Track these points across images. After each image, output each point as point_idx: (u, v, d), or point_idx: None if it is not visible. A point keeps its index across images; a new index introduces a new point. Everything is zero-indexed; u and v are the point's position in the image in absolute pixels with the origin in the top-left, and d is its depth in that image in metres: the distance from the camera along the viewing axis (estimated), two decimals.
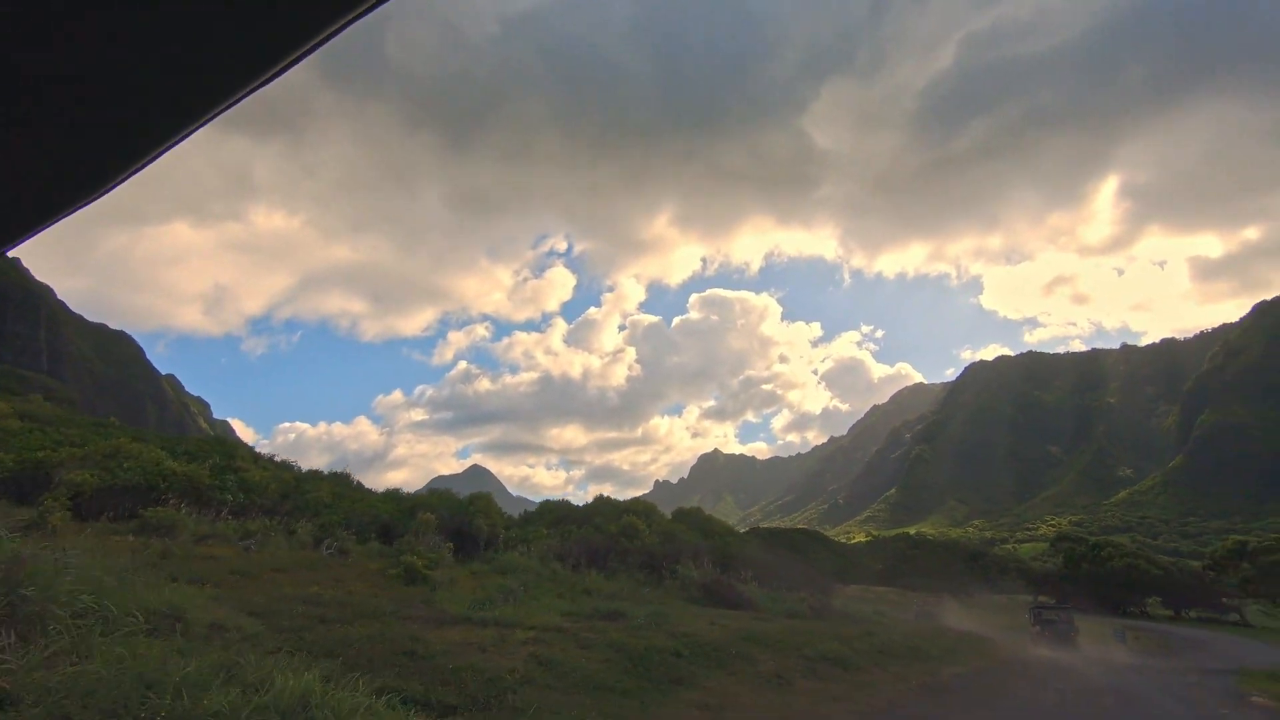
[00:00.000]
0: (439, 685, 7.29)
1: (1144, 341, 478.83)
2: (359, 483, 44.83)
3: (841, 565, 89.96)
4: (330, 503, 33.59)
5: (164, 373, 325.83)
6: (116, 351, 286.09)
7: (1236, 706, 14.20)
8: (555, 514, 36.75)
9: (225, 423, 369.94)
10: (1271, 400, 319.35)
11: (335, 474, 42.39)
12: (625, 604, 15.76)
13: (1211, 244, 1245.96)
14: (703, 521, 36.21)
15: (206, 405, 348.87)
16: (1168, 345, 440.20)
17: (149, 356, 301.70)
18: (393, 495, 38.09)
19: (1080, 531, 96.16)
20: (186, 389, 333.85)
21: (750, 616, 18.40)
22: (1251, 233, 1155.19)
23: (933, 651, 19.28)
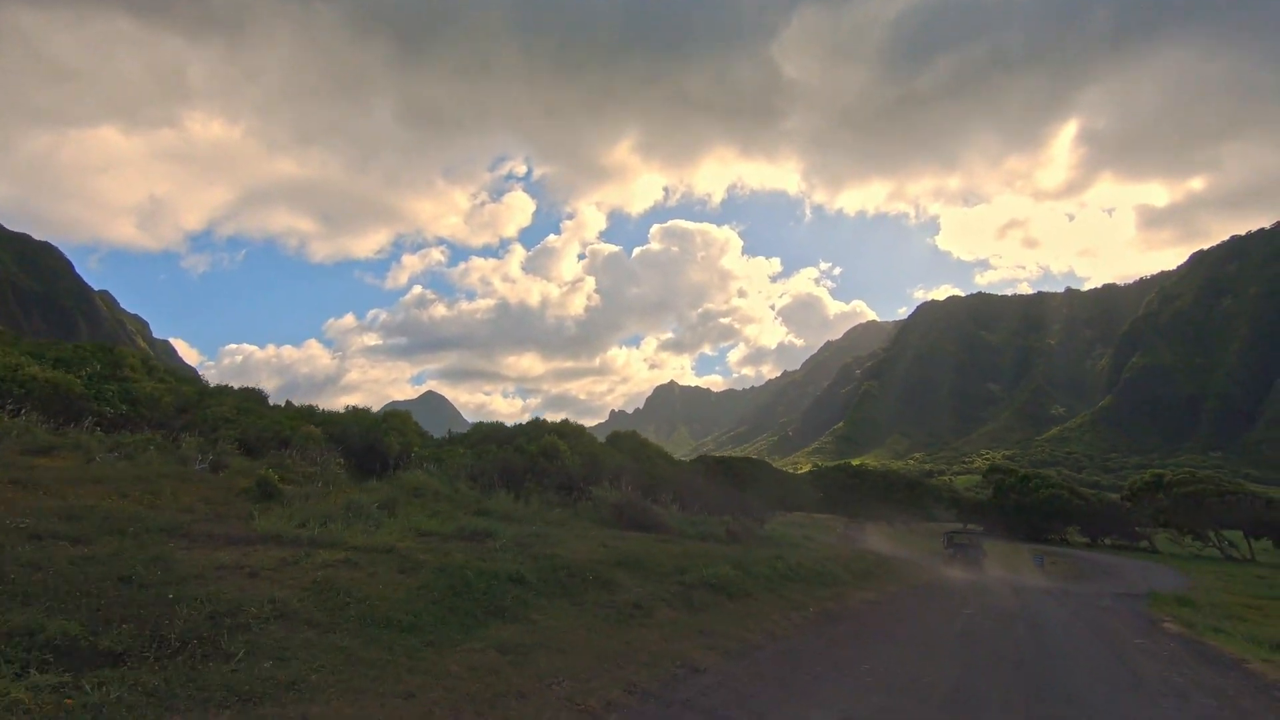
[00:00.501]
0: (123, 623, 5.28)
1: (1087, 286, 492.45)
2: (289, 403, 42.07)
3: (784, 493, 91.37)
4: (232, 418, 30.98)
5: (97, 288, 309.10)
6: (42, 264, 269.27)
7: (1150, 634, 13.36)
8: (482, 434, 34.87)
9: (166, 343, 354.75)
10: (1197, 345, 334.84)
11: (246, 389, 39.53)
12: (506, 524, 13.99)
13: (1158, 193, 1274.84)
14: (637, 446, 34.82)
15: (145, 324, 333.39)
16: (1109, 290, 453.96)
17: (79, 271, 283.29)
18: (305, 412, 35.65)
19: (1011, 464, 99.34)
20: (123, 306, 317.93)
21: (655, 539, 16.91)
22: (1196, 183, 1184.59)
23: (844, 576, 18.25)
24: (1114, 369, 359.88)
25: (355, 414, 32.71)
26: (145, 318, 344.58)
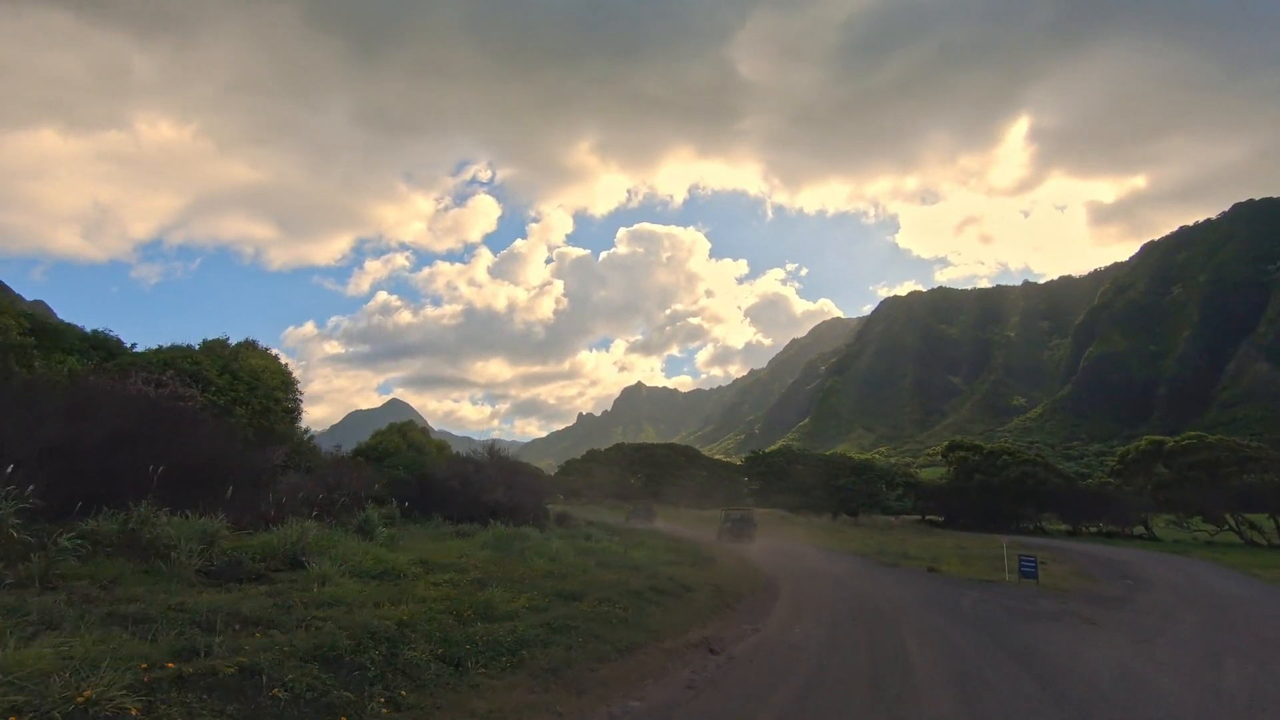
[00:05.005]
0: None
1: (1043, 281, 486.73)
2: None
3: (711, 483, 75.68)
4: None
5: (31, 299, 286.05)
6: None
7: None
8: None
9: None
10: (1149, 332, 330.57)
11: None
12: None
13: (1106, 190, 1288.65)
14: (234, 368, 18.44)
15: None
16: (1064, 282, 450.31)
17: (20, 281, 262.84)
18: None
19: (975, 440, 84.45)
20: (60, 317, 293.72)
21: None
22: (1140, 180, 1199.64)
23: None
24: (1072, 358, 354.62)
25: None
26: (88, 329, 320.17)
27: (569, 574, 11.45)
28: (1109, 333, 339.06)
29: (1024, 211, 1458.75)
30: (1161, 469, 48.70)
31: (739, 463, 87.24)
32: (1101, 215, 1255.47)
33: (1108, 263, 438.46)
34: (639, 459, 76.09)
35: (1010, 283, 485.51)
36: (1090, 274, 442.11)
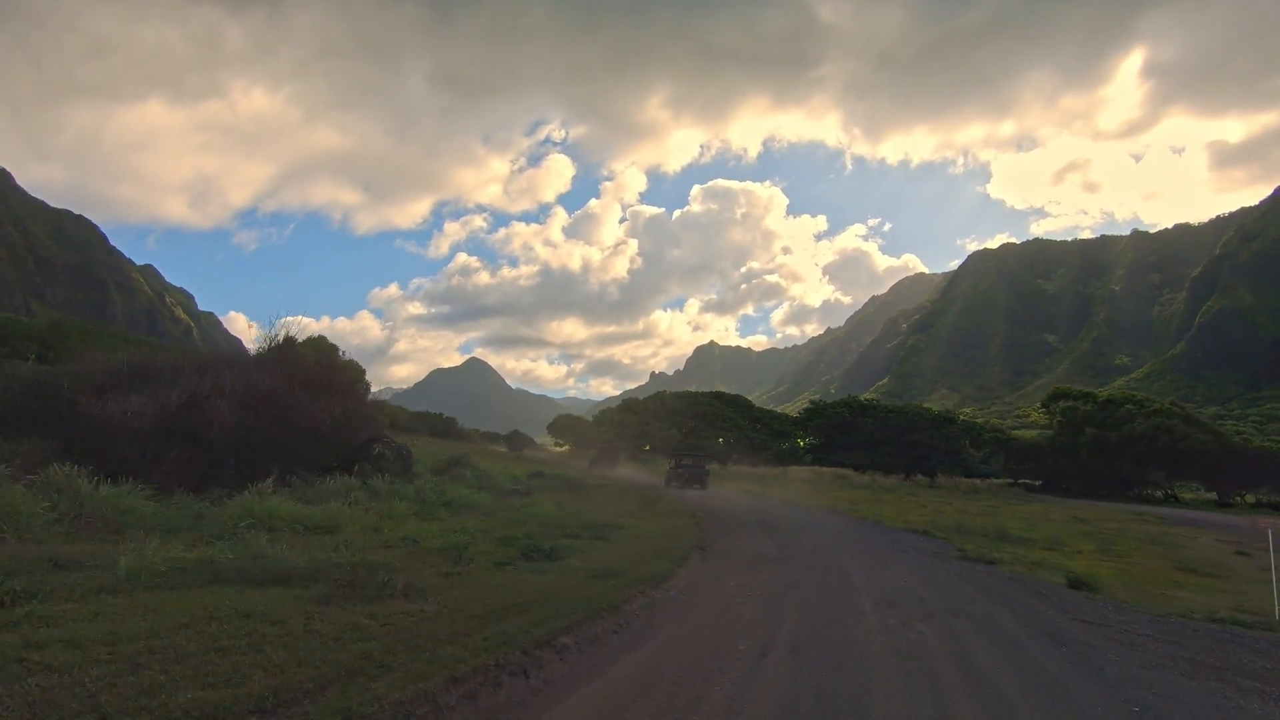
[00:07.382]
0: None
1: (1155, 230, 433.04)
2: None
3: (763, 437, 65.36)
4: None
5: (142, 264, 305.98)
6: (77, 237, 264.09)
7: None
8: None
9: (211, 314, 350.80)
10: None
11: None
12: None
13: (1234, 128, 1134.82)
14: None
15: (189, 296, 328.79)
16: (1179, 231, 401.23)
17: (137, 249, 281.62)
18: None
19: (1085, 389, 69.38)
20: (170, 281, 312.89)
21: None
22: (1272, 117, 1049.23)
23: None
24: (1187, 314, 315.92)
25: None
26: (201, 293, 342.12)
27: None
28: (1233, 285, 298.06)
29: (1135, 156, 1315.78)
30: None
31: (796, 415, 76.26)
32: (1226, 157, 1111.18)
33: (1233, 208, 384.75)
34: (680, 409, 66.66)
35: (1117, 233, 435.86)
36: (1212, 221, 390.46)
